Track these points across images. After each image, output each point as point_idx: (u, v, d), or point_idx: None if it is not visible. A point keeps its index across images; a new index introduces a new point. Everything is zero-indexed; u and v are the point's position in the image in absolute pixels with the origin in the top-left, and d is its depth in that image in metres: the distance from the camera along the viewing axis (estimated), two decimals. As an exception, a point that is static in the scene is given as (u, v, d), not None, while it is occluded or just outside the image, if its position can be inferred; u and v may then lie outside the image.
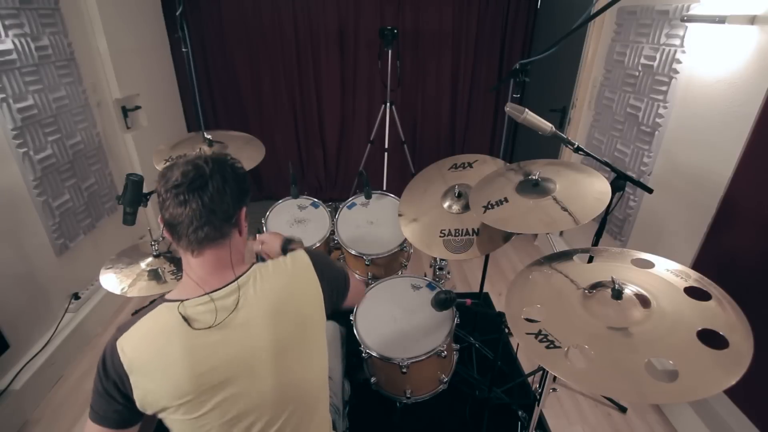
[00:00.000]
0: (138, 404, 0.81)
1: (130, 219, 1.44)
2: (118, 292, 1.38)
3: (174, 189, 0.81)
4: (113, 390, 0.81)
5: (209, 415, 0.84)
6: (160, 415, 0.84)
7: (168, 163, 0.87)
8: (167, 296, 0.88)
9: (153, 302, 0.87)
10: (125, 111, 2.62)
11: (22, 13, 1.89)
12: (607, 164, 1.39)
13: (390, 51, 2.97)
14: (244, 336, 0.85)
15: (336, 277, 1.05)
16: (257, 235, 1.40)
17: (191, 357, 0.81)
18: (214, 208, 0.83)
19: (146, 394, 0.80)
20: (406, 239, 1.79)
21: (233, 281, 0.88)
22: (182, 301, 0.84)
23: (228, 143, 1.90)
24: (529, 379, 1.98)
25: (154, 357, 0.80)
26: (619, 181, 1.35)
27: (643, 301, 0.94)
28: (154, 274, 1.46)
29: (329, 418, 1.08)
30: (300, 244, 1.34)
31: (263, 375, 0.87)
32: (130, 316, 0.87)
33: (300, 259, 0.98)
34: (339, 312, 1.12)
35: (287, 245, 1.31)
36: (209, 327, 0.83)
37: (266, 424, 0.89)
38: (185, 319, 0.82)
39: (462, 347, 2.00)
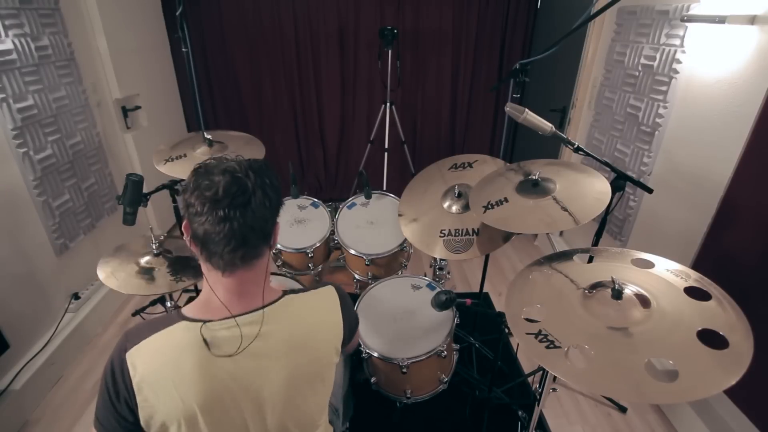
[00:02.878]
0: (142, 422, 0.79)
1: (130, 219, 1.45)
2: (117, 289, 1.38)
3: (213, 203, 0.74)
4: (122, 406, 0.78)
5: None
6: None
7: (198, 168, 0.80)
8: (186, 312, 0.84)
9: (159, 306, 0.84)
10: (125, 111, 2.62)
11: (22, 13, 1.89)
12: (607, 164, 1.39)
13: (390, 51, 2.97)
14: (258, 367, 0.83)
15: (354, 318, 1.06)
16: None
17: (205, 382, 0.78)
18: (254, 225, 0.78)
19: (152, 414, 0.78)
20: (406, 239, 1.79)
21: (260, 308, 0.84)
22: (205, 322, 0.80)
23: (228, 143, 1.90)
24: (529, 379, 1.98)
25: (165, 377, 0.77)
26: (619, 181, 1.35)
27: (643, 301, 0.94)
28: (154, 274, 1.46)
29: (329, 429, 1.07)
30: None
31: (268, 405, 0.85)
32: (131, 315, 0.85)
33: (330, 298, 0.96)
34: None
35: None
36: (230, 355, 0.80)
37: None
38: (206, 342, 0.78)
39: (462, 347, 2.00)
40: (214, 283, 0.83)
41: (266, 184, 0.80)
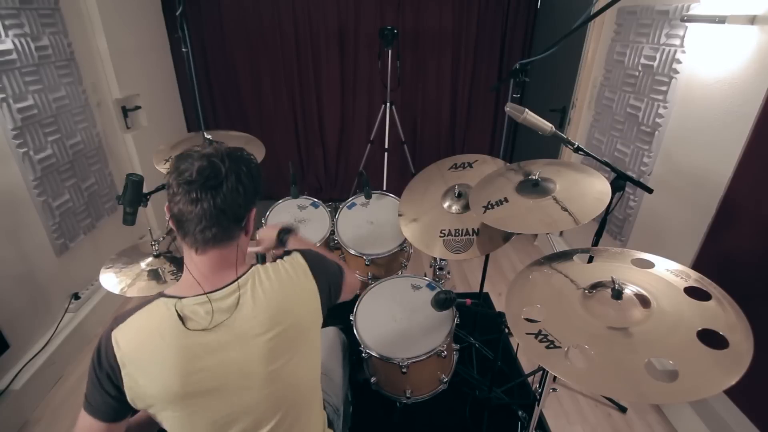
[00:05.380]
0: (128, 397, 0.81)
1: (130, 219, 1.44)
2: (117, 291, 1.38)
3: (186, 185, 0.79)
4: (106, 381, 0.81)
5: (198, 414, 0.83)
6: (150, 411, 0.83)
7: (181, 153, 0.84)
8: (166, 291, 0.87)
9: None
10: (125, 111, 2.62)
11: (22, 13, 1.89)
12: (607, 164, 1.39)
13: (390, 51, 2.97)
14: (239, 340, 0.84)
15: (332, 273, 1.05)
16: (257, 235, 1.39)
17: (183, 356, 0.80)
18: (225, 209, 0.81)
19: (136, 389, 0.80)
20: (406, 239, 1.79)
21: (233, 282, 0.87)
22: (180, 298, 0.83)
23: (228, 143, 1.89)
24: (529, 379, 1.98)
25: (146, 352, 0.80)
26: (619, 181, 1.35)
27: (643, 301, 0.94)
28: (154, 274, 1.46)
29: (323, 415, 1.08)
30: (296, 232, 1.33)
31: (255, 380, 0.86)
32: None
33: (297, 263, 0.97)
34: (339, 315, 1.12)
35: (283, 234, 1.31)
36: (204, 329, 0.82)
37: (256, 426, 0.89)
38: (180, 317, 0.81)
39: (462, 347, 2.00)
40: (189, 262, 0.87)
41: (242, 171, 0.84)
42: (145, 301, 0.85)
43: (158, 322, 0.82)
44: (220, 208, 0.81)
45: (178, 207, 0.80)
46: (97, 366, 0.82)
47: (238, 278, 0.88)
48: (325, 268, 1.02)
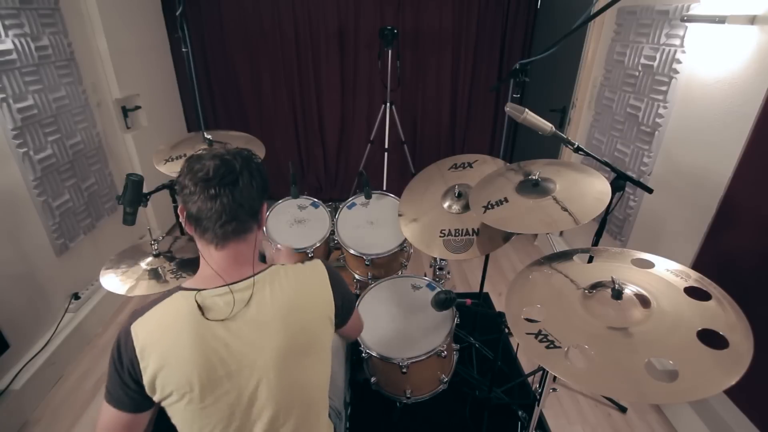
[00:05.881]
0: (147, 389, 0.82)
1: (130, 219, 1.45)
2: (118, 291, 1.38)
3: (204, 182, 0.82)
4: (126, 375, 0.83)
5: (213, 407, 0.84)
6: (164, 403, 0.84)
7: (191, 156, 0.88)
8: (184, 285, 0.89)
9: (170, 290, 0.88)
10: (125, 111, 2.62)
11: (22, 13, 1.89)
12: (607, 164, 1.39)
13: (390, 51, 2.97)
14: (254, 333, 0.86)
15: (348, 294, 1.07)
16: (278, 245, 1.44)
17: (201, 347, 0.82)
18: (243, 203, 0.85)
19: (154, 380, 0.82)
20: (406, 239, 1.79)
21: (250, 276, 0.90)
22: (199, 290, 0.86)
23: (228, 143, 1.89)
24: (529, 379, 1.98)
25: (165, 343, 0.82)
26: (619, 181, 1.35)
27: (643, 301, 0.94)
28: (155, 274, 1.46)
29: (329, 426, 1.08)
30: None
31: (268, 373, 0.87)
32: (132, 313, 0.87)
33: (318, 269, 1.00)
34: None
35: None
36: (223, 319, 0.84)
37: (268, 423, 0.89)
38: (200, 307, 0.83)
39: (462, 347, 2.00)
40: (208, 257, 0.89)
41: (253, 168, 0.89)
42: (163, 295, 0.87)
43: (177, 314, 0.84)
44: (239, 202, 0.84)
45: (197, 206, 0.83)
46: (117, 360, 0.83)
47: (256, 274, 0.91)
48: (343, 286, 1.05)
